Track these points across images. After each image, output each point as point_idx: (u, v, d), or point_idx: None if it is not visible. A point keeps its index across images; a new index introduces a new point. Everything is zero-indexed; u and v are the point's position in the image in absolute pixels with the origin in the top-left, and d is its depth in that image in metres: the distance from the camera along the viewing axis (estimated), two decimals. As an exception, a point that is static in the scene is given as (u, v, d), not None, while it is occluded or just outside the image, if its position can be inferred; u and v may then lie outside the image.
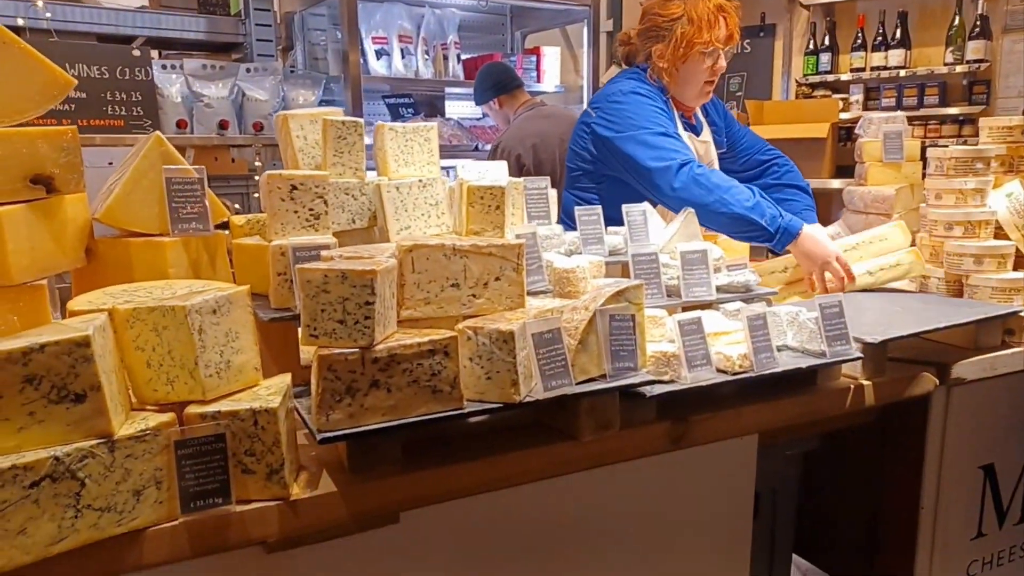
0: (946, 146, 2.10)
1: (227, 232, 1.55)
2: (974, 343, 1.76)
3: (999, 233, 1.99)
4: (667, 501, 1.43)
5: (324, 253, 1.27)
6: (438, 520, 1.23)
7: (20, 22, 3.24)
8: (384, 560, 1.19)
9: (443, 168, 1.71)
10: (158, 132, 1.42)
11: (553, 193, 1.85)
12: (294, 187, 1.42)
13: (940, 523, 1.77)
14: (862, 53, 5.41)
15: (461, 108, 5.01)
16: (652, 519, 1.42)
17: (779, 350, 1.53)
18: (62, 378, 0.95)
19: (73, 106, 3.34)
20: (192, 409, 1.07)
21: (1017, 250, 1.95)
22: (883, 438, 1.80)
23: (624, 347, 1.33)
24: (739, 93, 6.20)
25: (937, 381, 1.65)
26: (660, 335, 1.48)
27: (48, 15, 3.31)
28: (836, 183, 4.60)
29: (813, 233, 2.01)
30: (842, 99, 5.44)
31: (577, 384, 1.29)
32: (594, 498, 1.36)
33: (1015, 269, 1.93)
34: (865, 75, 5.41)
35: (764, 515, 1.88)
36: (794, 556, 2.38)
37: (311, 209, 1.44)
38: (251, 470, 1.09)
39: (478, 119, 4.92)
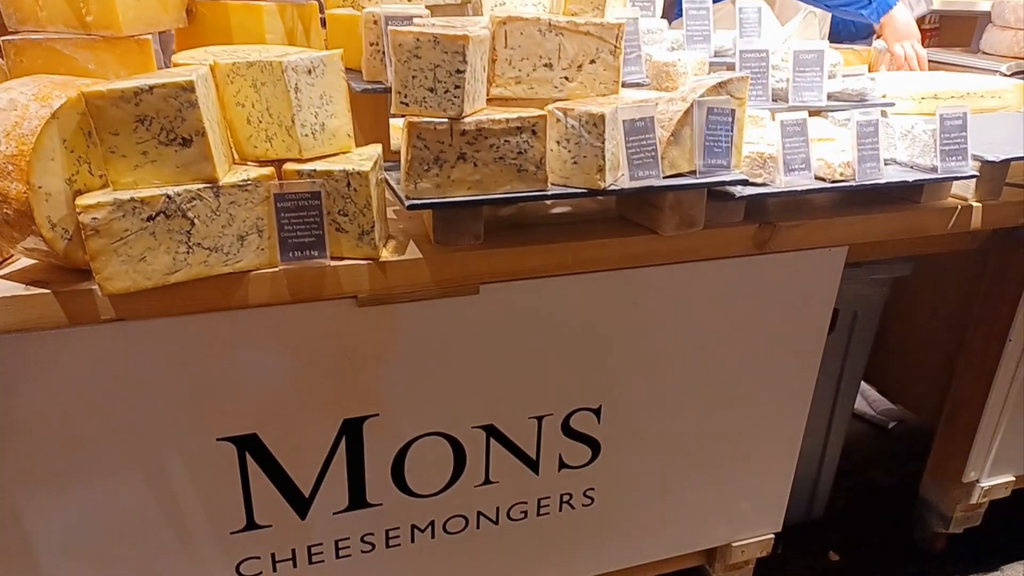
0: None
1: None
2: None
3: None
4: (744, 305, 1.44)
5: (416, 20, 1.24)
6: (515, 297, 1.28)
7: None
8: (463, 325, 1.27)
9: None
10: None
11: (660, -18, 1.71)
12: (388, -46, 1.37)
13: (1026, 358, 1.72)
14: None
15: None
16: (727, 321, 1.44)
17: (891, 163, 1.44)
18: (170, 121, 0.99)
19: None
20: (290, 166, 1.12)
21: None
22: (983, 268, 1.72)
23: (719, 143, 1.27)
24: None
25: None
26: (759, 137, 1.41)
27: None
28: (986, 3, 4.05)
29: (904, 12, 2.26)
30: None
31: (665, 178, 1.26)
32: (671, 294, 1.38)
33: None
34: None
35: (840, 336, 1.88)
36: (864, 384, 2.40)
37: (405, -21, 1.39)
38: (344, 229, 1.15)
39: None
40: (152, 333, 1.11)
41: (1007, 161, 1.42)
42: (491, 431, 1.37)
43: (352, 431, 1.28)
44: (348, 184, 1.11)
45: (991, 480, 1.86)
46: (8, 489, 1.13)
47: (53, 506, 1.16)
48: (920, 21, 3.66)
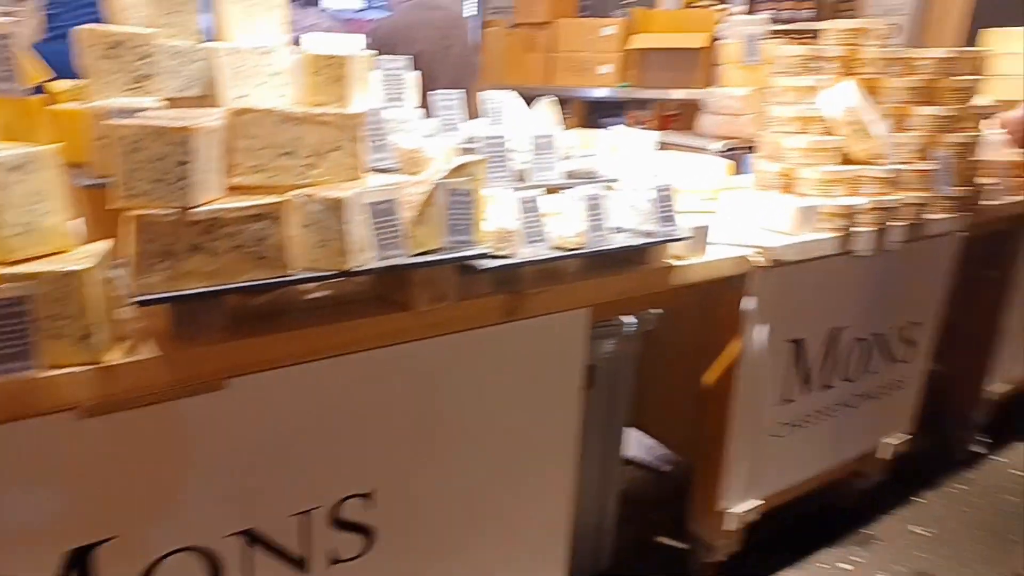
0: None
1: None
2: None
3: (831, 131, 2.13)
4: (501, 371, 1.51)
5: (146, 112, 1.20)
6: (267, 387, 1.24)
7: None
8: (208, 425, 1.20)
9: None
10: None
11: (413, 76, 1.80)
12: (116, 44, 1.33)
13: (752, 390, 1.96)
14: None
15: (339, -2, 4.74)
16: (485, 388, 1.50)
17: (619, 231, 1.61)
18: None
19: None
20: (-8, 270, 1.02)
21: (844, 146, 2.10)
22: (711, 314, 1.95)
23: (461, 221, 1.35)
24: (631, -1, 6.14)
25: (755, 262, 1.79)
26: (501, 214, 1.51)
27: None
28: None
29: None
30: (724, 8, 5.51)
31: (414, 256, 1.31)
32: (429, 368, 1.41)
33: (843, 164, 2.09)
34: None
35: (601, 390, 2.02)
36: (635, 430, 2.58)
37: (136, 71, 1.35)
38: (62, 334, 1.06)
39: (357, 11, 4.68)
40: None
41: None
42: (250, 536, 1.29)
43: (80, 562, 1.14)
44: (62, 286, 1.03)
45: (741, 507, 2.08)
46: None
47: None
48: (662, 107, 4.13)
